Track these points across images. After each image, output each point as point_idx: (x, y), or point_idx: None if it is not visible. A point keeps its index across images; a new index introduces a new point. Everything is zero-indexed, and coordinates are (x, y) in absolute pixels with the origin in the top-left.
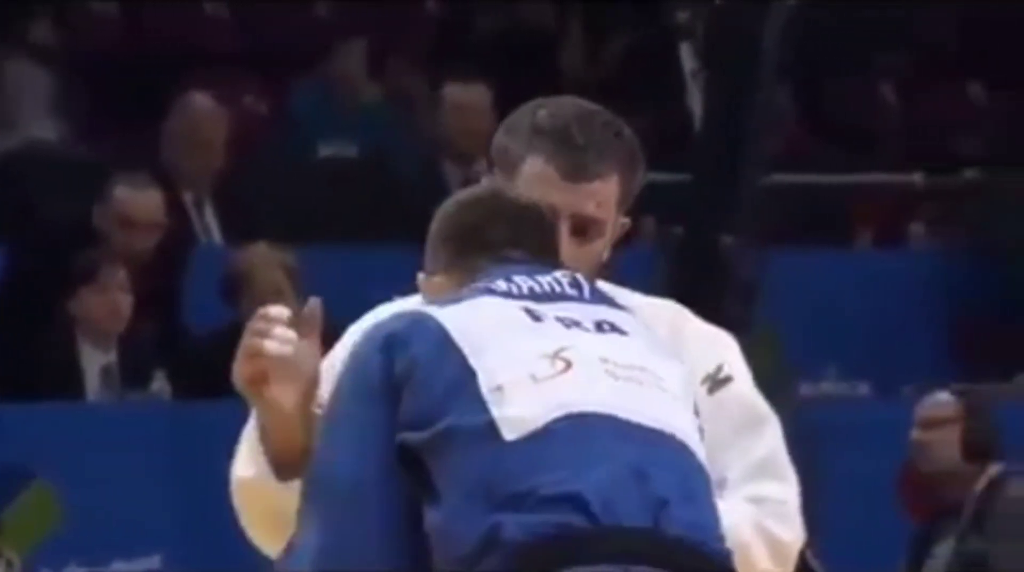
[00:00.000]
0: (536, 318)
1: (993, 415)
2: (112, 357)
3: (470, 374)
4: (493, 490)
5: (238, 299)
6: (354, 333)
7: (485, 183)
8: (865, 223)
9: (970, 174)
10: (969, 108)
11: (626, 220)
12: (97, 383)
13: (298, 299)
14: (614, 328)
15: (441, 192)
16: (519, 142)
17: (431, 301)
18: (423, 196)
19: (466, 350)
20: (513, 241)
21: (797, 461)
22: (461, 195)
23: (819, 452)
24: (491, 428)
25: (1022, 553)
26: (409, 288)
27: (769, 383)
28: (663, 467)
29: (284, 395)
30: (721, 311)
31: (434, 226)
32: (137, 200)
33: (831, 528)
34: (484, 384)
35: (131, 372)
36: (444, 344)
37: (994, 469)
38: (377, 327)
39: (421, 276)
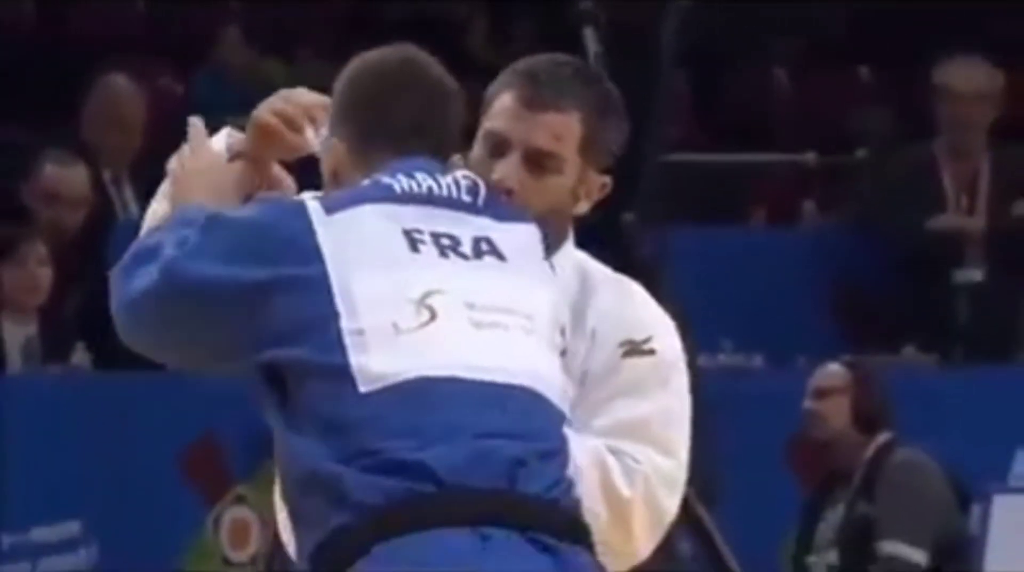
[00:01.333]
0: (414, 246)
1: (881, 385)
2: (33, 330)
3: (333, 311)
4: (344, 438)
5: None
6: None
7: (399, 48)
8: (760, 202)
9: (860, 154)
10: (859, 90)
11: (605, 179)
12: (18, 355)
13: None
14: (493, 250)
15: None
16: (497, 84)
17: (327, 182)
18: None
19: (334, 281)
20: (417, 127)
21: (696, 431)
22: (373, 60)
23: (716, 421)
24: (346, 373)
25: (905, 518)
26: None
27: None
28: (516, 429)
29: (270, 155)
30: None
31: (342, 88)
32: (65, 176)
33: (728, 493)
34: (346, 325)
35: (52, 345)
36: (316, 266)
37: (882, 437)
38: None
39: (323, 132)
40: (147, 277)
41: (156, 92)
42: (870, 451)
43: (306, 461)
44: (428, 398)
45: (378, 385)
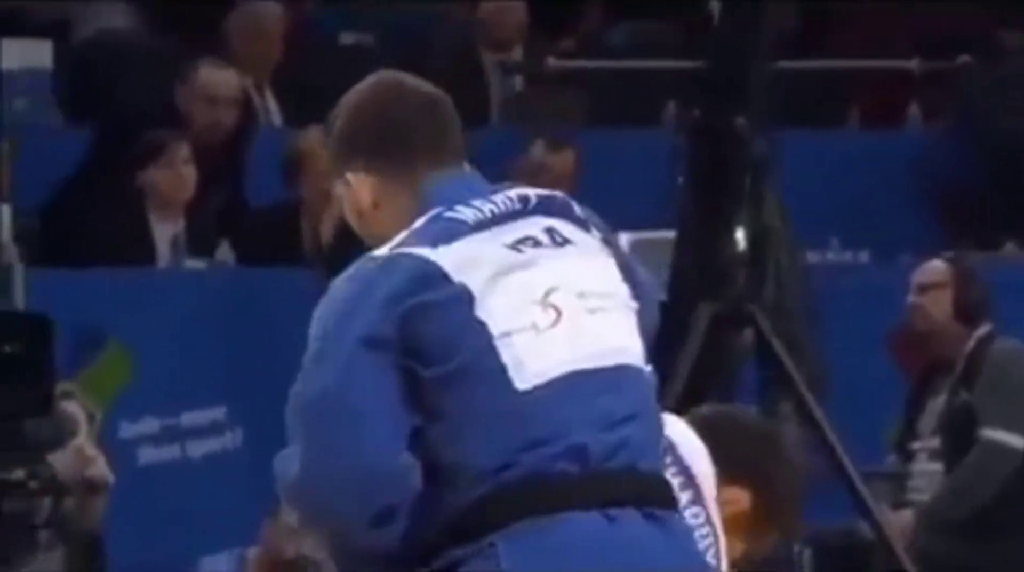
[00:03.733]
0: (518, 250)
1: (982, 280)
2: (180, 227)
3: (478, 320)
4: (510, 433)
5: (296, 177)
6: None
7: (382, 75)
8: (866, 106)
9: (962, 59)
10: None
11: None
12: (167, 250)
13: None
14: (564, 238)
15: (478, 78)
16: None
17: (366, 215)
18: (460, 82)
19: (475, 293)
20: (441, 137)
21: (809, 321)
22: (371, 87)
23: (824, 315)
24: (503, 373)
25: (1006, 406)
26: None
27: (785, 245)
28: (636, 409)
29: None
30: (738, 185)
31: (354, 122)
32: (220, 78)
33: (836, 383)
34: (493, 329)
35: (198, 241)
36: (450, 287)
37: (982, 329)
38: (380, 270)
39: (348, 176)
40: None
41: (294, 7)
42: (971, 343)
43: (470, 459)
44: (573, 391)
45: (533, 383)
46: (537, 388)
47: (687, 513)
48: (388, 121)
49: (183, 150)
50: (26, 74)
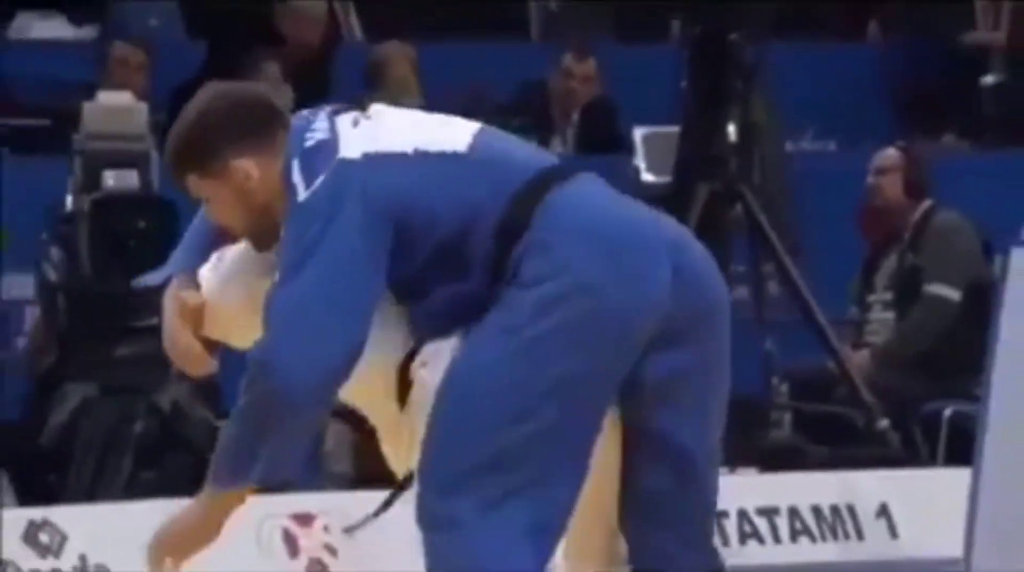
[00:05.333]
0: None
1: (927, 164)
2: None
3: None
4: (474, 181)
5: (375, 83)
6: None
7: (210, 86)
8: (836, 21)
9: None
10: None
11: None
12: None
13: (420, 86)
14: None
15: (521, 1)
16: None
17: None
18: (506, 4)
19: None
20: (279, 109)
21: (787, 198)
22: (205, 93)
23: (799, 194)
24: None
25: (944, 266)
26: (509, 80)
27: (766, 134)
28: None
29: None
30: (730, 88)
31: (202, 126)
32: (309, 2)
33: (811, 251)
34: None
35: None
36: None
37: (926, 204)
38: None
39: (242, 165)
40: None
41: None
42: (917, 214)
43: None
44: (491, 149)
45: (460, 147)
46: (469, 148)
47: None
48: (238, 107)
49: (273, 67)
50: None
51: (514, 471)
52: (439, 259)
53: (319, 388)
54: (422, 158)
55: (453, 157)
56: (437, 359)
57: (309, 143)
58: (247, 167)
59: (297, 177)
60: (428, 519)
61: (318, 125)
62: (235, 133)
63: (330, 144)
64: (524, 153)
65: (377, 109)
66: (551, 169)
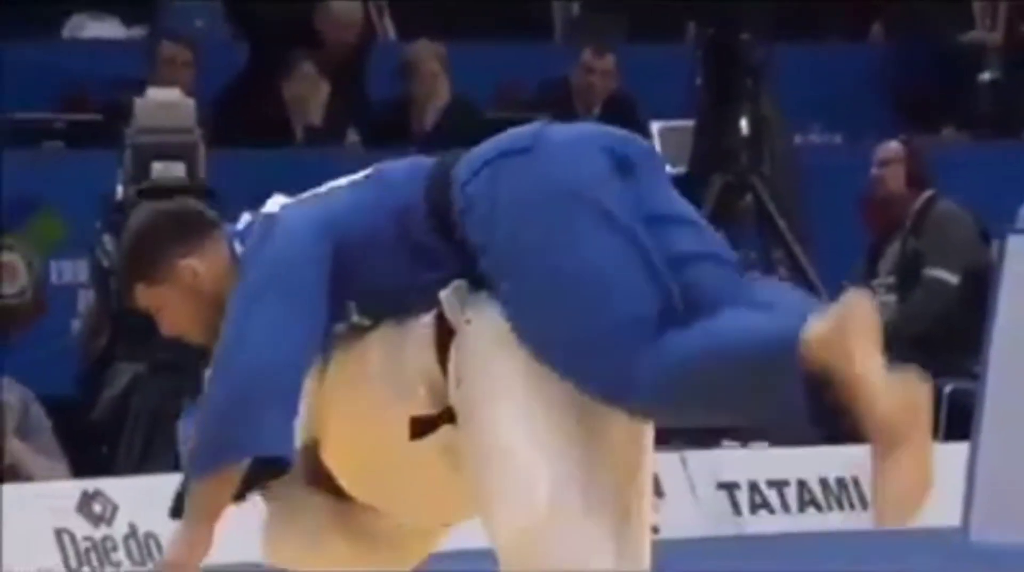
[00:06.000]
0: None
1: (926, 156)
2: (316, 120)
3: None
4: None
5: (406, 79)
6: None
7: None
8: (839, 21)
9: None
10: None
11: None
12: (302, 137)
13: (449, 83)
14: None
15: (545, 3)
16: None
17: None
18: (530, 7)
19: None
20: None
21: (793, 191)
22: (151, 212)
23: (807, 184)
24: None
25: (944, 251)
26: (534, 77)
27: (775, 128)
28: None
29: None
30: (741, 85)
31: (149, 239)
32: (347, 5)
33: (818, 238)
34: None
35: (331, 131)
36: None
37: (927, 193)
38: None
39: (187, 264)
40: None
41: None
42: (918, 204)
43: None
44: None
45: None
46: None
47: None
48: (174, 216)
49: (309, 66)
50: None
51: None
52: (395, 263)
53: (283, 356)
54: (337, 189)
55: (363, 181)
56: (477, 313)
57: (241, 225)
58: (193, 265)
59: (239, 248)
60: None
61: (243, 217)
62: (176, 237)
63: (256, 218)
64: (411, 165)
65: None
66: (439, 160)
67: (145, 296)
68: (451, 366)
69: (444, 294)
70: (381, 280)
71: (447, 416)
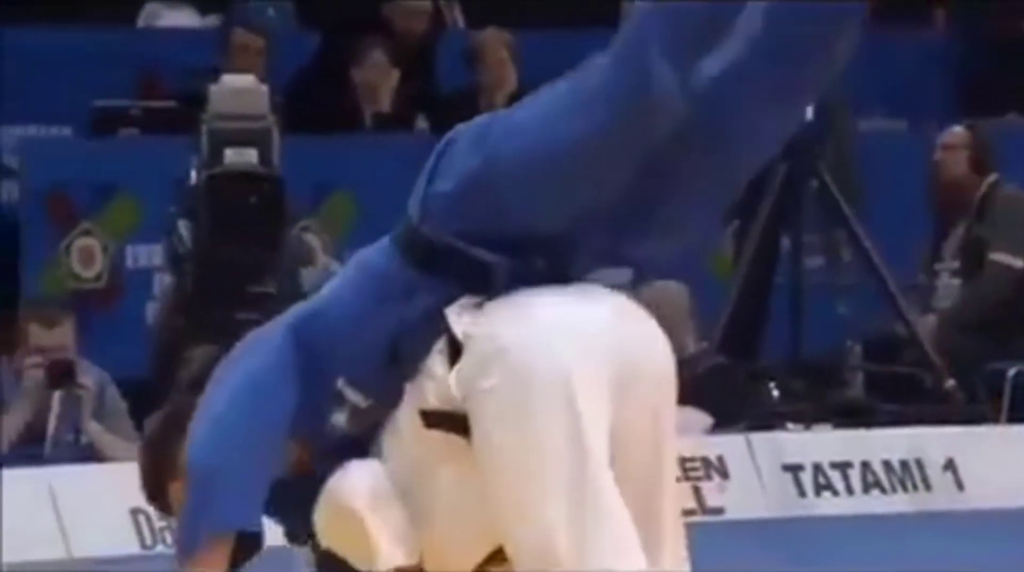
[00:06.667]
0: None
1: (991, 141)
2: (385, 107)
3: None
4: None
5: (474, 66)
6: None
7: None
8: (900, 5)
9: None
10: None
11: None
12: (370, 124)
13: (516, 70)
14: None
15: None
16: None
17: None
18: None
19: None
20: None
21: (857, 177)
22: (161, 419)
23: (870, 170)
24: None
25: (1008, 236)
26: None
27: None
28: None
29: None
30: None
31: (168, 440)
32: None
33: (880, 222)
34: None
35: (400, 117)
36: None
37: (991, 178)
38: None
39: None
40: None
41: None
42: (982, 189)
43: None
44: None
45: None
46: None
47: None
48: (182, 412)
49: (379, 54)
50: None
51: None
52: (384, 320)
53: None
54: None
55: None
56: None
57: None
58: None
59: None
60: None
61: None
62: (185, 429)
63: None
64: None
65: None
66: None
67: (175, 490)
68: (453, 376)
69: (447, 310)
70: (371, 338)
71: (462, 424)
